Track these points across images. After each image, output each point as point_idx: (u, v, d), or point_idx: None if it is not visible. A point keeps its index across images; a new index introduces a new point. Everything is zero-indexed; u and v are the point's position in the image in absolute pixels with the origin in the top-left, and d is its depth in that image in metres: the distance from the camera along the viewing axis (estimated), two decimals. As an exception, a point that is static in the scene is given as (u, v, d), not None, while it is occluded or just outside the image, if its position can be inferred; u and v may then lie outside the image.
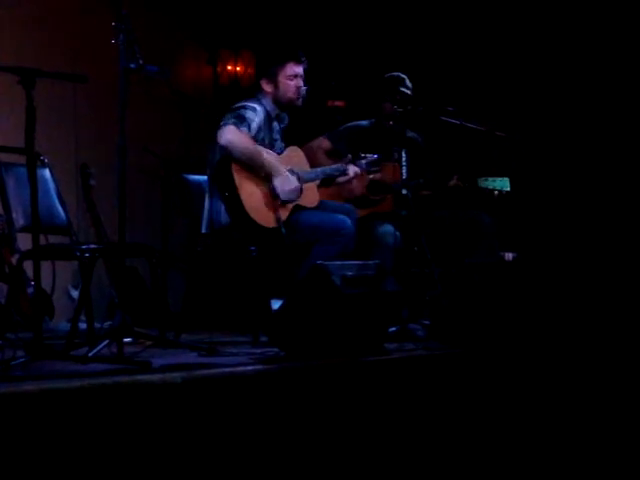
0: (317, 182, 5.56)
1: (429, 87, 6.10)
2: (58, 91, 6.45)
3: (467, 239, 5.89)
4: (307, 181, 5.44)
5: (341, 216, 5.35)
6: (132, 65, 4.18)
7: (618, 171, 7.08)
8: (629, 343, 5.05)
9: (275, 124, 5.50)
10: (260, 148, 5.27)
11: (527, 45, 7.46)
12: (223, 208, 5.26)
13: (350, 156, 5.64)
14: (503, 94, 7.49)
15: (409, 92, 5.87)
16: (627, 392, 4.84)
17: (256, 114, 5.31)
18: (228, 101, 5.71)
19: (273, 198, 5.24)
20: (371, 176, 5.77)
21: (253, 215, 5.15)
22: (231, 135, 5.16)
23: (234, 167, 5.16)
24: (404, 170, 5.56)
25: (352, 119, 6.16)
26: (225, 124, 5.19)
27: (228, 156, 5.16)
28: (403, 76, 5.96)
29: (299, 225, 5.27)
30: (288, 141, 5.58)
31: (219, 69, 8.48)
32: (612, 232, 6.92)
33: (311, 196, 5.47)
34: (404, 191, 5.51)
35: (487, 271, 5.24)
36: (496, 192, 5.79)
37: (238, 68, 8.49)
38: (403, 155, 5.59)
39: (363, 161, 5.66)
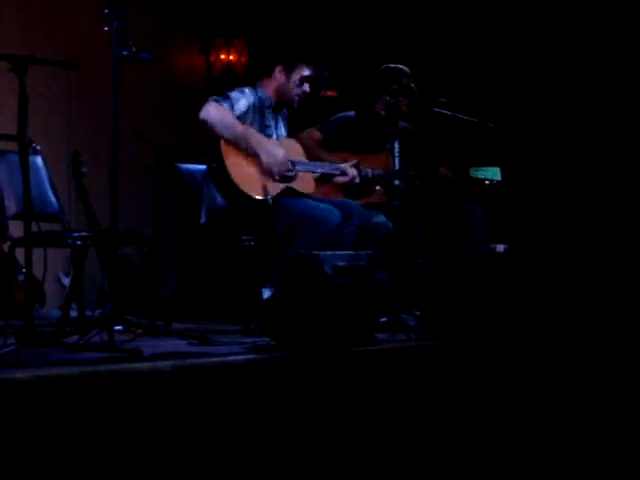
0: (316, 175, 5.55)
1: (421, 77, 6.10)
2: (50, 78, 6.44)
3: (458, 231, 5.89)
4: (303, 170, 5.43)
5: (329, 207, 5.33)
6: (125, 52, 4.17)
7: (610, 162, 7.08)
8: (620, 335, 5.06)
9: (268, 112, 5.49)
10: (243, 125, 5.26)
11: (518, 35, 7.46)
12: (218, 194, 5.26)
13: (357, 161, 5.63)
14: (494, 84, 7.49)
15: (411, 82, 5.89)
16: (620, 385, 4.85)
17: (243, 95, 5.31)
18: (221, 89, 5.71)
19: (262, 172, 5.23)
20: (377, 187, 5.77)
21: (241, 185, 5.13)
22: (211, 110, 5.16)
23: (222, 140, 5.15)
24: (396, 161, 5.57)
25: (345, 109, 6.15)
26: (206, 101, 5.20)
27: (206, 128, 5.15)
28: (400, 67, 5.96)
29: (286, 209, 5.25)
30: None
31: (212, 58, 8.46)
32: (603, 223, 6.92)
33: (306, 183, 5.46)
34: (396, 182, 5.51)
35: (478, 263, 5.25)
36: (487, 182, 5.80)
37: (231, 57, 8.47)
38: (395, 146, 5.60)
39: (370, 170, 5.66)
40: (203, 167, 5.67)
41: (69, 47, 6.93)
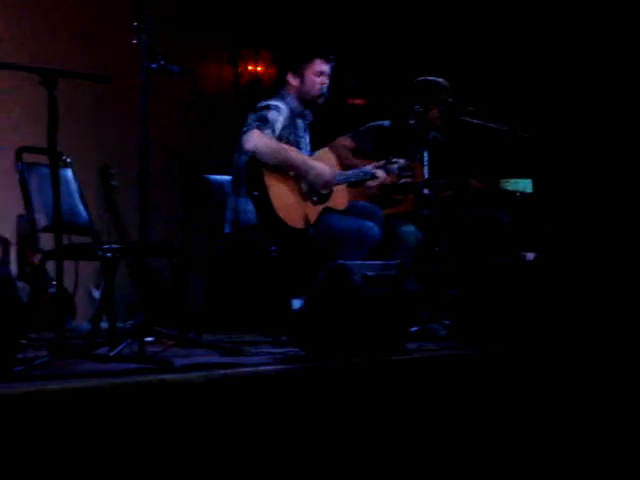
0: (346, 184, 5.56)
1: (453, 86, 6.08)
2: (80, 92, 6.47)
3: (488, 239, 5.87)
4: (337, 183, 5.43)
5: (370, 223, 5.32)
6: (153, 65, 4.19)
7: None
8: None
9: (299, 121, 5.50)
10: (287, 147, 5.28)
11: (552, 45, 7.44)
12: (250, 208, 5.25)
13: (384, 161, 5.61)
14: (527, 94, 7.47)
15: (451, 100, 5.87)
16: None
17: (280, 113, 5.30)
18: (249, 101, 5.73)
19: (303, 198, 5.25)
20: (402, 180, 5.73)
21: (282, 215, 5.13)
22: (256, 139, 5.15)
23: (264, 168, 5.16)
24: (426, 170, 5.56)
25: (373, 118, 6.15)
26: (249, 129, 5.18)
27: (255, 158, 5.16)
28: (446, 84, 5.95)
29: (327, 228, 5.27)
30: (311, 135, 5.59)
31: (240, 69, 8.50)
32: (633, 234, 6.89)
33: (340, 198, 5.47)
34: (426, 191, 5.50)
35: (508, 271, 5.22)
36: (518, 194, 5.77)
37: (259, 68, 8.51)
38: (425, 155, 5.59)
39: (395, 165, 5.62)
40: (231, 178, 5.67)
41: (98, 60, 6.98)
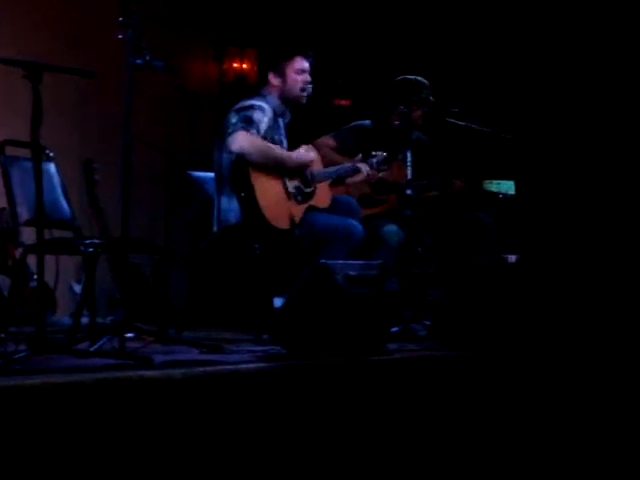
0: (329, 182, 5.56)
1: (434, 87, 6.10)
2: (64, 86, 6.45)
3: (470, 240, 5.89)
4: (320, 180, 5.44)
5: (353, 221, 5.34)
6: (138, 61, 4.18)
7: (622, 174, 7.07)
8: (632, 345, 5.04)
9: (280, 121, 5.51)
10: (272, 145, 5.28)
11: (534, 46, 7.45)
12: (232, 206, 5.25)
13: (361, 155, 5.63)
14: (509, 96, 7.49)
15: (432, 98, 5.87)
16: (629, 394, 4.83)
17: (264, 113, 5.30)
18: (234, 98, 5.71)
19: (288, 198, 5.25)
20: (380, 174, 5.73)
21: (268, 216, 5.14)
22: (243, 141, 5.15)
23: (250, 168, 5.15)
24: (409, 170, 5.57)
25: (357, 118, 6.16)
26: (234, 130, 5.18)
27: (243, 159, 5.16)
28: (426, 82, 5.95)
29: (311, 226, 5.27)
30: (294, 139, 5.58)
31: (225, 66, 8.49)
32: (615, 235, 6.91)
33: (324, 197, 5.47)
34: (408, 191, 5.51)
35: (489, 273, 5.24)
36: (501, 195, 5.78)
37: (244, 65, 8.50)
38: (408, 155, 5.60)
39: (373, 160, 5.64)
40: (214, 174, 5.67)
41: (83, 55, 6.96)
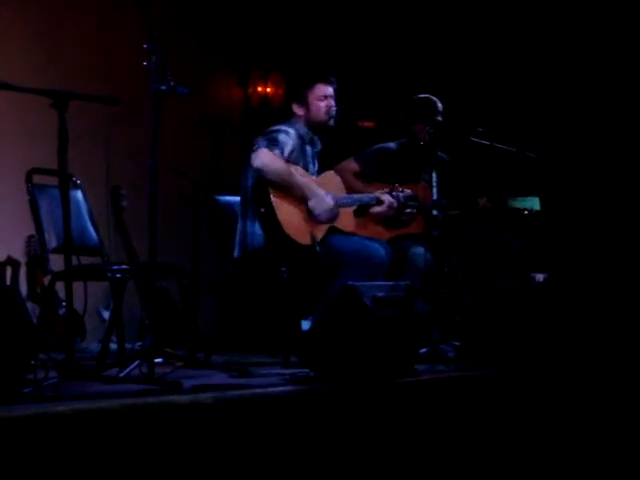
0: (353, 208, 5.54)
1: (458, 107, 6.10)
2: (90, 113, 6.50)
3: (497, 261, 5.86)
4: (342, 206, 5.43)
5: (375, 244, 5.32)
6: (163, 87, 4.21)
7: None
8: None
9: (308, 148, 5.50)
10: (293, 170, 5.28)
11: (560, 67, 7.45)
12: (257, 230, 5.26)
13: (389, 188, 5.59)
14: (534, 115, 7.48)
15: (441, 117, 5.86)
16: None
17: (289, 137, 5.31)
18: (259, 122, 5.75)
19: (309, 217, 5.25)
20: (408, 210, 5.69)
21: (288, 231, 5.14)
22: (264, 158, 5.17)
23: (270, 186, 5.17)
24: (434, 191, 5.56)
25: (381, 140, 6.15)
26: (258, 147, 5.20)
27: (262, 176, 5.18)
28: (435, 99, 5.95)
29: (333, 247, 5.26)
30: (320, 162, 5.59)
31: (249, 90, 8.52)
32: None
33: (347, 220, 5.46)
34: (435, 212, 5.50)
35: (517, 292, 5.22)
36: (526, 211, 5.76)
37: (268, 89, 8.53)
38: (433, 176, 5.59)
39: (401, 194, 5.61)
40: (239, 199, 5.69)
41: (109, 82, 7.00)
